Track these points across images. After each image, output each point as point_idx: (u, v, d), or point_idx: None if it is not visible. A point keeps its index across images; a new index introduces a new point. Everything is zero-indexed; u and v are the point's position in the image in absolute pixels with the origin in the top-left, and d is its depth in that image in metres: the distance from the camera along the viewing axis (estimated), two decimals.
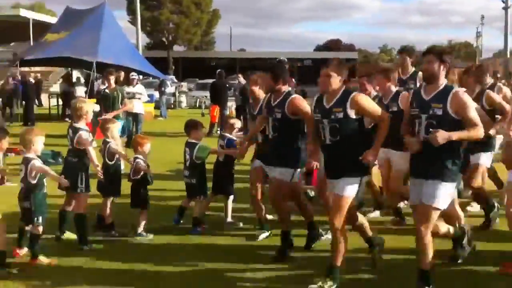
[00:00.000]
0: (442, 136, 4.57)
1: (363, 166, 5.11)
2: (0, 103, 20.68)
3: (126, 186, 6.99)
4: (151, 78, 27.76)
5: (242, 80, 18.08)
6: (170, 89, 29.81)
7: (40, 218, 5.73)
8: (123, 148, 8.09)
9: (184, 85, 35.75)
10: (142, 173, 6.80)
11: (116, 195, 6.96)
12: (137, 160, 6.83)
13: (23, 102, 22.00)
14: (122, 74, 16.73)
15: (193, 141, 7.12)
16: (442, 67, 4.78)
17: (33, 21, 43.55)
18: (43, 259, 5.79)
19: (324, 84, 5.09)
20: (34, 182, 5.70)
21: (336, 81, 5.06)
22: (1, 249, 5.56)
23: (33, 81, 23.77)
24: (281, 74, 5.98)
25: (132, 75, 16.08)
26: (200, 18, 56.90)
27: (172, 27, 56.26)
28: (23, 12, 43.51)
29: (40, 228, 5.78)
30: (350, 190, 5.04)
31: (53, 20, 38.36)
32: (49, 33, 22.46)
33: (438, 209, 4.79)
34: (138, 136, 7.94)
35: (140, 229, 6.79)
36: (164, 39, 57.68)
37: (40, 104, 27.88)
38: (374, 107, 5.17)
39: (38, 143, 5.84)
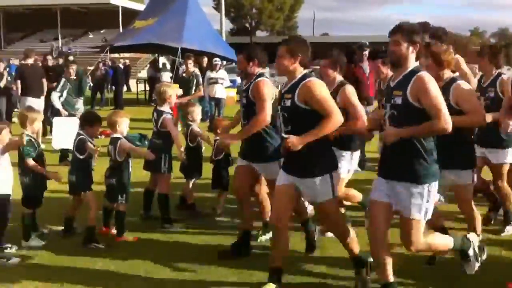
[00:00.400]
0: (389, 134, 4.10)
1: (329, 160, 4.52)
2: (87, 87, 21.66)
3: (207, 169, 7.18)
4: (234, 64, 28.06)
5: None
6: None
7: (124, 196, 6.02)
8: (206, 132, 8.30)
9: (266, 71, 35.83)
10: (223, 154, 6.94)
11: (198, 177, 7.15)
12: (218, 142, 6.98)
13: (113, 87, 22.97)
14: (206, 59, 17.11)
15: None
16: (411, 49, 4.09)
17: (122, 8, 45.34)
18: (127, 237, 6.07)
19: (276, 65, 4.59)
20: (120, 160, 5.99)
21: (284, 63, 4.48)
22: (91, 225, 5.89)
23: (122, 67, 24.66)
24: (255, 54, 5.39)
25: (215, 61, 16.37)
26: (283, 2, 56.80)
27: (255, 12, 56.55)
28: (113, 0, 45.32)
29: (124, 206, 6.05)
30: (326, 192, 4.46)
31: (141, 7, 39.69)
32: (137, 20, 23.17)
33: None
34: (218, 119, 8.10)
35: (220, 210, 6.95)
36: (247, 24, 58.14)
37: (129, 89, 28.95)
38: (325, 100, 4.36)
39: (123, 124, 6.13)
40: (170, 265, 5.33)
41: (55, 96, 10.53)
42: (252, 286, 4.82)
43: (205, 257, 5.52)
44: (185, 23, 19.99)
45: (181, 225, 6.59)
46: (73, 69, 10.96)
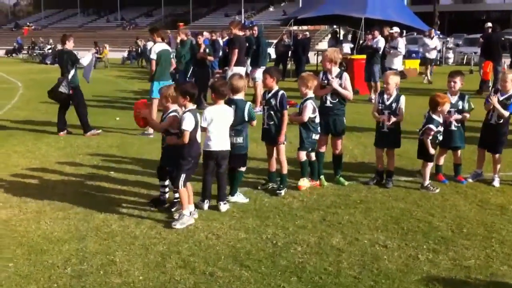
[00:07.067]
0: None
1: None
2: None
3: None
4: (415, 34, 27.12)
5: None
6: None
7: None
8: None
9: (451, 41, 34.02)
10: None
11: None
12: None
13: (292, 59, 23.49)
14: (386, 30, 16.67)
15: None
16: None
17: None
18: None
19: None
20: None
21: None
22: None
23: (303, 39, 25.04)
24: None
25: (392, 29, 16.01)
26: None
27: None
28: None
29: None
30: None
31: None
32: None
33: None
34: (437, 95, 7.51)
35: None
36: None
37: (308, 61, 29.44)
38: None
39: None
40: None
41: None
42: None
43: None
44: None
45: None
46: None
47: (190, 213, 5.69)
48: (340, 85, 6.84)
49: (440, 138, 6.85)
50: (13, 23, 75.03)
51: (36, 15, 78.52)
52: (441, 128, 6.81)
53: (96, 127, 10.76)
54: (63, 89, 10.24)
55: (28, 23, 69.41)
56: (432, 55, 20.58)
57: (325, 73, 7.02)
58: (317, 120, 6.74)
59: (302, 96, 6.77)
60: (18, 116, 12.87)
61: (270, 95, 6.66)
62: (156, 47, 10.54)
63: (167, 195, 6.26)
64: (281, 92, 6.62)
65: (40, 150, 9.17)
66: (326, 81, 6.94)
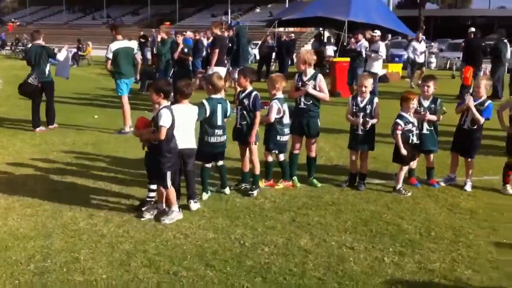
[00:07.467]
0: None
1: None
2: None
3: None
4: (400, 38, 27.29)
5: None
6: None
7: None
8: None
9: (435, 46, 34.23)
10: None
11: None
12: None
13: (277, 60, 23.48)
14: (368, 33, 16.71)
15: None
16: None
17: None
18: None
19: None
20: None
21: None
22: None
23: (288, 41, 25.05)
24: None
25: (374, 33, 16.06)
26: None
27: None
28: None
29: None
30: None
31: None
32: None
33: None
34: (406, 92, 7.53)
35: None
36: None
37: (292, 63, 29.47)
38: None
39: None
40: None
41: None
42: None
43: None
44: None
45: None
46: None
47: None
48: (315, 86, 6.85)
49: (414, 139, 6.85)
50: None
51: (21, 12, 77.74)
52: (413, 128, 6.83)
53: (73, 125, 10.74)
54: (31, 80, 10.32)
55: (12, 20, 68.69)
56: (421, 59, 20.68)
57: (300, 75, 7.02)
58: (285, 121, 6.75)
59: (271, 97, 6.79)
60: None
61: (243, 95, 6.66)
62: (113, 45, 10.23)
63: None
64: (254, 93, 6.62)
65: (15, 146, 9.07)
66: (300, 83, 6.95)
